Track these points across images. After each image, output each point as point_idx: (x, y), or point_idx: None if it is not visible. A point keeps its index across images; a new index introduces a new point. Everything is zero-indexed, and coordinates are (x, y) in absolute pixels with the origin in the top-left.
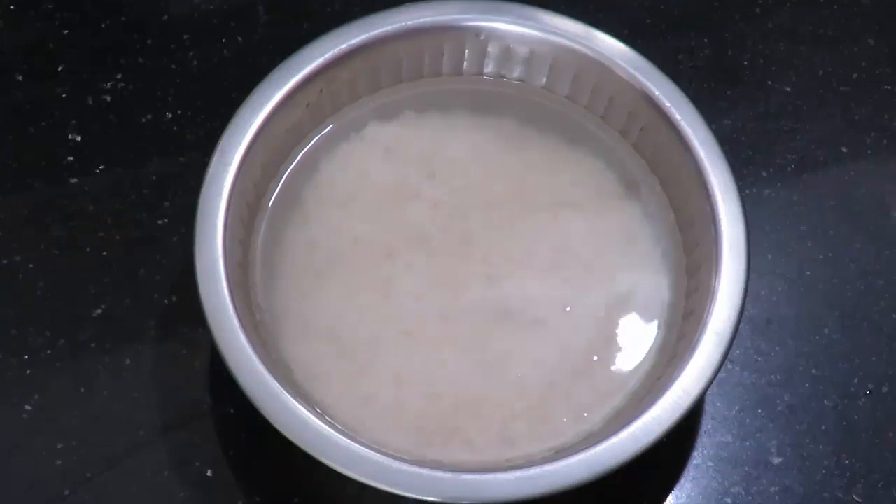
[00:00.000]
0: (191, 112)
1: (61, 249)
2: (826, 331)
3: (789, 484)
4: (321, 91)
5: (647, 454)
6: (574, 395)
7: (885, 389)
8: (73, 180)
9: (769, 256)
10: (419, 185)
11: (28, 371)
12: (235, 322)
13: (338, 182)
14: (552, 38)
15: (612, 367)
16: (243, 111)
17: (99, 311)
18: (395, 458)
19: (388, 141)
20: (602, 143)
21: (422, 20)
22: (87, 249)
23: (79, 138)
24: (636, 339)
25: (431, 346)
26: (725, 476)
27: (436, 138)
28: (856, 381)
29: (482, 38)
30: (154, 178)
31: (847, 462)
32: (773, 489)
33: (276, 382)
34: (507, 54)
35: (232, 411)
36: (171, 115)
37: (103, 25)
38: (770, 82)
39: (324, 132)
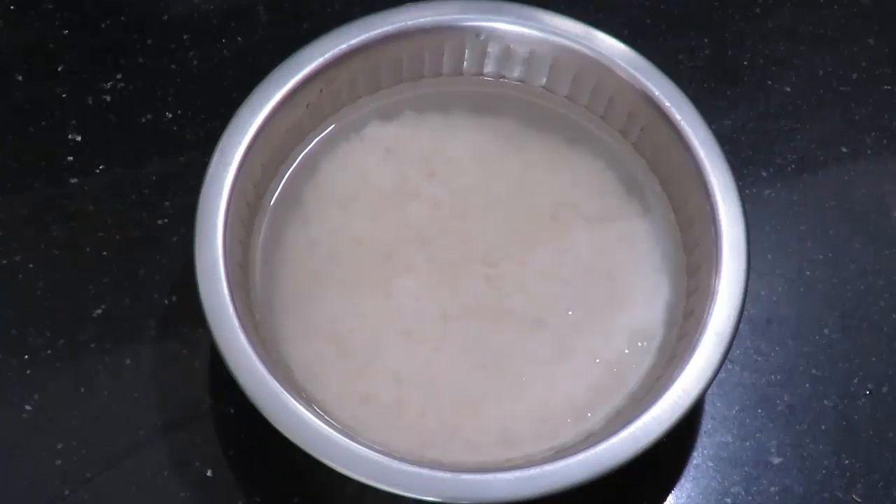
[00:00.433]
0: (191, 112)
1: (61, 249)
2: (826, 331)
3: (789, 484)
4: (321, 91)
5: (647, 454)
6: (574, 396)
7: (885, 389)
8: (73, 180)
9: (769, 256)
10: (419, 186)
11: (28, 371)
12: (235, 322)
13: (338, 182)
14: (552, 38)
15: (613, 367)
16: (243, 111)
17: (99, 311)
18: (395, 458)
19: (388, 141)
20: (602, 143)
21: (422, 20)
22: (87, 249)
23: (79, 138)
24: (636, 338)
25: (431, 346)
26: (725, 476)
27: (436, 138)
28: (856, 381)
29: (482, 38)
30: (154, 178)
31: (847, 462)
32: (773, 489)
33: (276, 382)
34: (507, 54)
35: (232, 411)
36: (171, 115)
37: (103, 25)
38: (770, 82)
39: (324, 132)
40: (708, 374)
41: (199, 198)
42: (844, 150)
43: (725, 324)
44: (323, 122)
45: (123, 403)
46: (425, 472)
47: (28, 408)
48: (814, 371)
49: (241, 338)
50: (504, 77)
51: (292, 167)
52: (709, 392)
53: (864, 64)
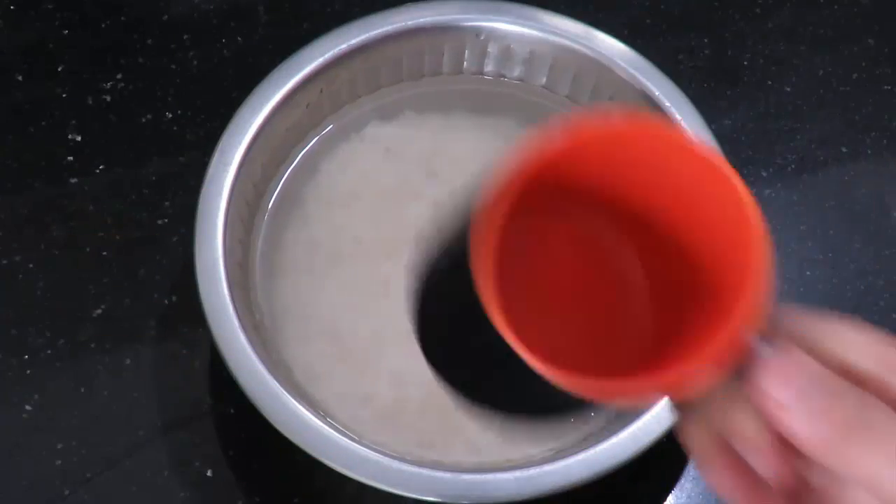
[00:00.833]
0: (191, 112)
1: (61, 249)
2: None
3: None
4: (321, 91)
5: (647, 454)
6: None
7: None
8: (73, 180)
9: None
10: (419, 186)
11: (28, 371)
12: (235, 322)
13: (338, 182)
14: (552, 38)
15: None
16: (243, 111)
17: (99, 311)
18: (395, 458)
19: (388, 141)
20: None
21: (422, 20)
22: (87, 249)
23: (79, 138)
24: None
25: None
26: None
27: (436, 138)
28: None
29: (482, 38)
30: (154, 178)
31: None
32: None
33: (276, 382)
34: (507, 54)
35: (232, 411)
36: (171, 115)
37: (103, 25)
38: (770, 82)
39: (324, 132)
40: None
41: (199, 198)
42: (844, 150)
43: None
44: (323, 122)
45: (123, 403)
46: (425, 472)
47: (28, 408)
48: None
49: (241, 338)
50: (504, 77)
51: (292, 167)
52: None
53: (864, 64)
